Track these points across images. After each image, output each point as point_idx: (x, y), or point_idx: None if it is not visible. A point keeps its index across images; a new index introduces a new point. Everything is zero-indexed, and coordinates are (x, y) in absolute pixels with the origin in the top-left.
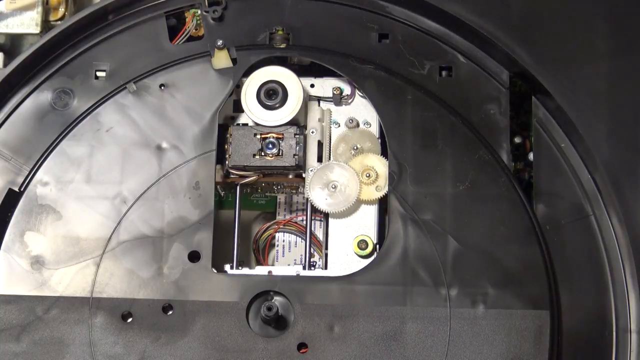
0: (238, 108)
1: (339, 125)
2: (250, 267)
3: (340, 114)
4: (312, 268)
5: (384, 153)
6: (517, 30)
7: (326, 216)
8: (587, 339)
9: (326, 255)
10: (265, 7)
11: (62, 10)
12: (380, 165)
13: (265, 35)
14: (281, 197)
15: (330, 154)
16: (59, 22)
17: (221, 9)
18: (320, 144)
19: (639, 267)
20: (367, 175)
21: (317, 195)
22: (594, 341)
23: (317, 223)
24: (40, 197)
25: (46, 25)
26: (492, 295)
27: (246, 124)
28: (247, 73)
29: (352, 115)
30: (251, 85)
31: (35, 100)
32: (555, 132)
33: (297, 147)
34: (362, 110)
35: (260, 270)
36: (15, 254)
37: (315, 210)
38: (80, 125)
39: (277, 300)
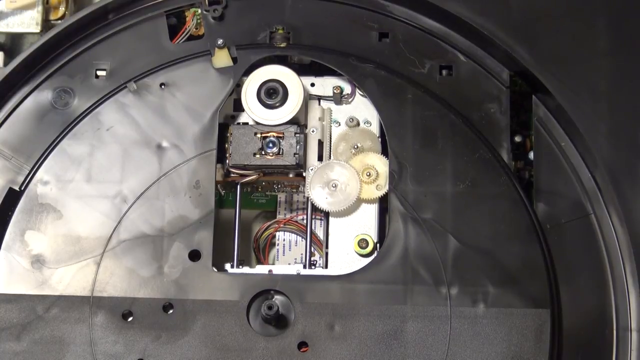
0: (238, 107)
1: (340, 124)
2: (251, 266)
3: (341, 112)
4: (313, 267)
5: (385, 152)
6: (517, 29)
7: (326, 215)
8: (588, 338)
9: (326, 254)
10: (266, 6)
11: (62, 9)
12: (380, 164)
13: (266, 34)
14: (281, 196)
15: (330, 153)
16: (59, 21)
17: (221, 8)
18: (320, 143)
19: (639, 266)
20: (368, 174)
21: (317, 194)
22: (595, 340)
23: (318, 222)
24: (41, 196)
25: (46, 24)
26: (493, 294)
27: (246, 123)
28: (248, 72)
29: (352, 114)
30: (251, 84)
31: (35, 100)
32: (555, 130)
33: (298, 146)
34: (363, 109)
35: (261, 269)
36: (16, 253)
37: (315, 209)
38: (81, 124)
39: (278, 299)
